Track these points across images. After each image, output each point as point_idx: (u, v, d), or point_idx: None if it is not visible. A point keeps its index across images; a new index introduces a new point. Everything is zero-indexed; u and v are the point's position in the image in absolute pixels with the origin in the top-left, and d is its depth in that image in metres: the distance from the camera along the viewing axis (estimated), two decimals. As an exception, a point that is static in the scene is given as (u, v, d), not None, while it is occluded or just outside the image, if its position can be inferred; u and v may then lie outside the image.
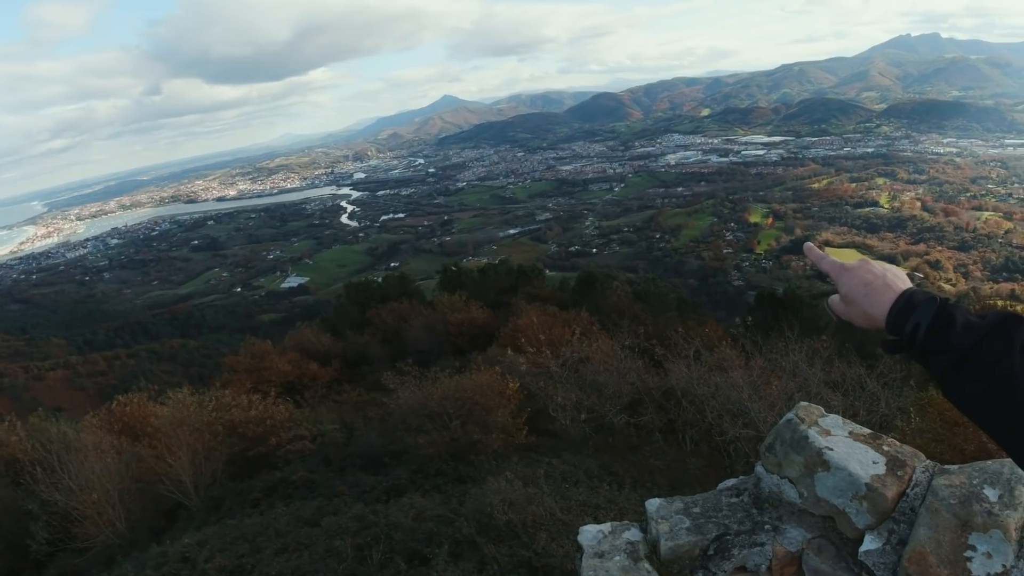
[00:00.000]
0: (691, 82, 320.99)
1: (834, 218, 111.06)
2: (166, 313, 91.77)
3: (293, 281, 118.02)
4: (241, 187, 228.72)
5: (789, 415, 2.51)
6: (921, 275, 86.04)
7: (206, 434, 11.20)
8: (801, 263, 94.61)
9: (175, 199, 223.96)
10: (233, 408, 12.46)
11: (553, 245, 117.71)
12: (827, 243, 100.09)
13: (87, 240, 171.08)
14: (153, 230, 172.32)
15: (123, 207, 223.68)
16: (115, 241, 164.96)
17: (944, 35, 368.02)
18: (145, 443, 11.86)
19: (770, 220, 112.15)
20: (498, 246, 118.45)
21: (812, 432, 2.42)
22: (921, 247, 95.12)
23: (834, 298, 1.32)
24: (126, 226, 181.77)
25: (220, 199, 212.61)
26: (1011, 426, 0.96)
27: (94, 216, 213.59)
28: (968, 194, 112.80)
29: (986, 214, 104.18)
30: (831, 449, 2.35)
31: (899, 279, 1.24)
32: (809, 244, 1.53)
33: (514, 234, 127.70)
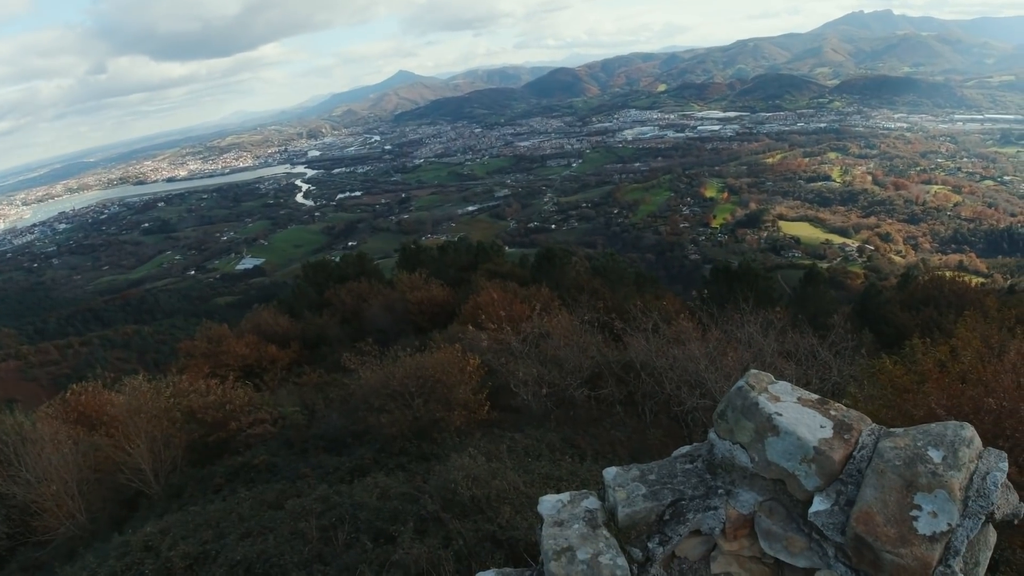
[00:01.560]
0: (647, 57, 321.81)
1: (787, 192, 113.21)
2: (118, 299, 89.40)
3: (248, 263, 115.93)
4: (192, 167, 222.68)
5: (740, 382, 2.58)
6: (872, 247, 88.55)
7: (164, 421, 11.01)
8: (756, 236, 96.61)
9: (123, 181, 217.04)
10: (191, 393, 12.26)
11: (512, 222, 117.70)
12: (781, 216, 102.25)
13: (34, 226, 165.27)
14: (102, 213, 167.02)
15: (70, 190, 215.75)
16: (63, 226, 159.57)
17: (896, 12, 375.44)
18: (102, 432, 11.62)
19: (725, 194, 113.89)
20: (457, 223, 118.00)
21: (762, 398, 2.49)
22: (872, 220, 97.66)
23: None
24: (74, 210, 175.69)
25: (170, 180, 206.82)
26: None
27: (40, 200, 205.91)
28: (918, 168, 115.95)
29: (935, 187, 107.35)
30: (780, 415, 2.42)
31: None
32: None
33: (473, 211, 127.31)
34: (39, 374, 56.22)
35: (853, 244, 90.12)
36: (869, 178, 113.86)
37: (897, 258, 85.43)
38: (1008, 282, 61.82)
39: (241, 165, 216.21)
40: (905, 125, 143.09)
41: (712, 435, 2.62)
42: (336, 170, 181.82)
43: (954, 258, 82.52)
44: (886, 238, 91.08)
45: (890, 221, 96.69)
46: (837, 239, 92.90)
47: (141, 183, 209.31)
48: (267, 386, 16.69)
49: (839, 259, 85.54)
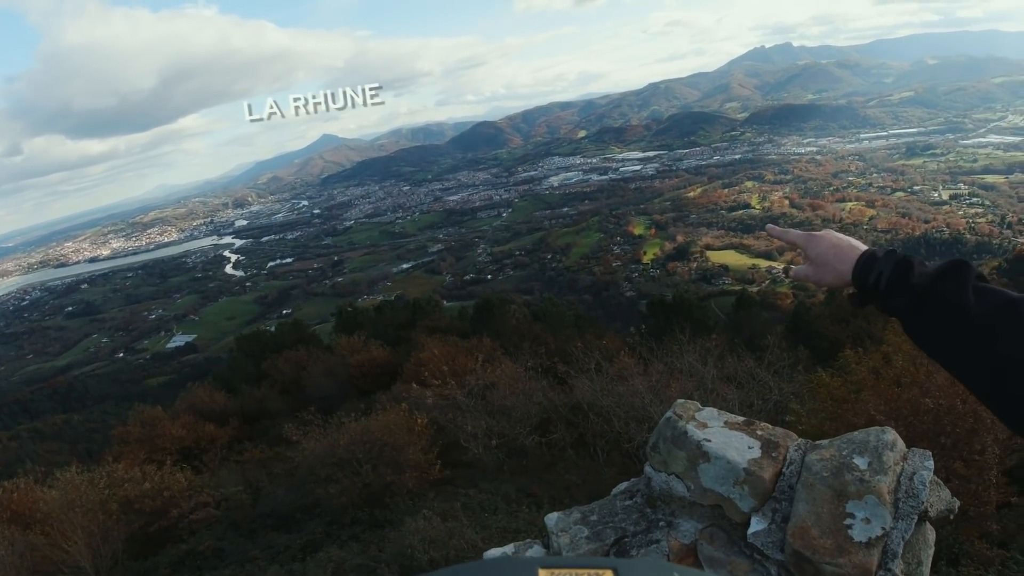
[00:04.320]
0: (566, 106, 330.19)
1: (711, 223, 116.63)
2: (45, 387, 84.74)
3: (179, 340, 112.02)
4: (115, 245, 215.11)
5: (668, 413, 2.65)
6: (795, 266, 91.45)
7: (100, 514, 10.44)
8: (686, 268, 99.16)
9: (44, 264, 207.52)
10: (126, 483, 11.70)
11: (448, 276, 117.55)
12: (708, 247, 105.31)
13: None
14: (23, 300, 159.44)
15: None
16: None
17: (795, 44, 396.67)
18: (37, 530, 10.97)
19: (653, 231, 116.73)
20: (392, 282, 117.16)
21: (690, 427, 2.56)
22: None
23: (799, 268, 1.49)
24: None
25: (93, 260, 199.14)
26: (967, 355, 1.09)
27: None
28: (831, 188, 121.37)
29: (850, 204, 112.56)
30: (709, 440, 2.49)
31: (860, 242, 1.36)
32: (770, 225, 1.67)
33: (407, 268, 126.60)
34: (-34, 472, 52.49)
35: (779, 266, 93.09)
36: (787, 202, 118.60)
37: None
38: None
39: (166, 240, 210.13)
40: (815, 149, 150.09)
41: (648, 468, 2.67)
42: (265, 238, 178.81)
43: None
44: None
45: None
46: (764, 263, 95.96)
47: (63, 265, 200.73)
48: (207, 467, 16.02)
49: (767, 282, 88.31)
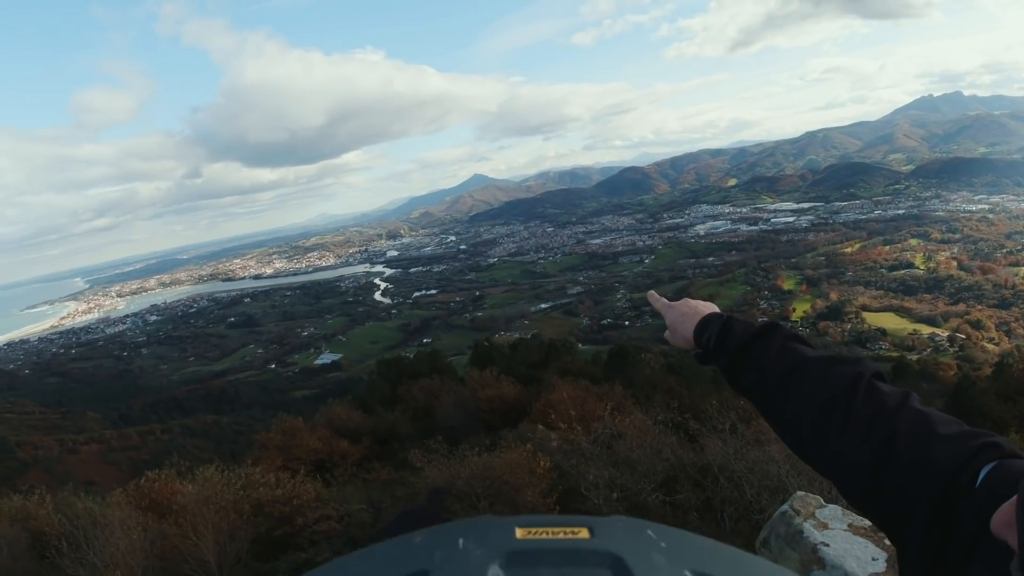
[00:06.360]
0: (716, 153, 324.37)
1: (869, 282, 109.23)
2: (201, 389, 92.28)
3: (326, 358, 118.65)
4: (277, 265, 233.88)
5: (784, 507, 2.35)
6: (963, 336, 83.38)
7: (232, 513, 10.99)
8: (839, 329, 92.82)
9: (213, 277, 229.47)
10: (260, 486, 12.29)
11: (584, 319, 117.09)
12: (864, 307, 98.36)
13: (126, 316, 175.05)
14: (191, 307, 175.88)
15: (163, 284, 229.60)
16: (154, 318, 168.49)
17: (966, 92, 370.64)
18: (171, 520, 11.69)
19: (804, 286, 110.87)
20: (529, 321, 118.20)
21: (807, 526, 2.24)
22: (961, 307, 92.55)
23: (667, 332, 1.57)
24: (165, 303, 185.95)
25: (256, 277, 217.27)
26: (770, 406, 1.24)
27: (134, 293, 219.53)
28: (1004, 250, 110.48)
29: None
30: (827, 545, 2.16)
31: (708, 308, 1.49)
32: (651, 292, 1.76)
33: (545, 308, 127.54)
34: (120, 458, 57.81)
35: (943, 333, 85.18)
36: (954, 263, 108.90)
37: (990, 346, 79.97)
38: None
39: (323, 264, 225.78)
40: (987, 206, 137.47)
41: None
42: (413, 269, 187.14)
43: (1049, 340, 76.70)
44: (978, 325, 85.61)
45: (980, 307, 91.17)
46: (926, 329, 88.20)
47: (229, 279, 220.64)
48: (336, 481, 16.62)
49: (929, 349, 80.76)
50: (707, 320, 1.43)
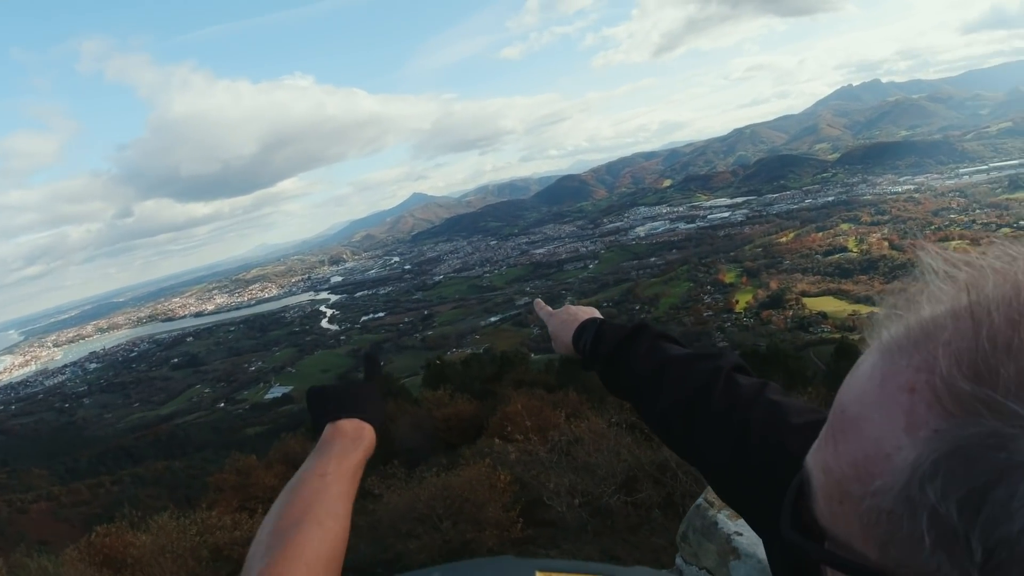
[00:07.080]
0: (649, 156, 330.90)
1: (806, 268, 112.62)
2: (149, 435, 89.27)
3: (277, 391, 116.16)
4: (219, 301, 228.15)
5: (699, 499, 2.36)
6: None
7: (190, 560, 10.64)
8: (781, 316, 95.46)
9: (152, 318, 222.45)
10: (218, 530, 11.94)
11: (535, 328, 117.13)
12: (804, 293, 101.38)
13: (65, 366, 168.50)
14: (132, 351, 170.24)
15: (100, 330, 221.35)
16: (94, 365, 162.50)
17: (884, 80, 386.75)
18: (127, 574, 11.28)
19: (744, 278, 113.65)
20: (480, 335, 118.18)
21: (721, 517, 2.25)
22: (896, 285, 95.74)
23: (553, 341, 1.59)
24: (104, 349, 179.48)
25: (198, 314, 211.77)
26: (643, 406, 1.26)
27: (71, 341, 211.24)
28: (933, 227, 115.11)
29: (954, 243, 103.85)
30: (740, 534, 2.18)
31: (586, 313, 1.50)
32: (537, 300, 1.77)
33: (495, 321, 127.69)
34: (71, 515, 55.27)
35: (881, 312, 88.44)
36: (886, 244, 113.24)
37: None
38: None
39: (266, 295, 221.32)
40: (912, 187, 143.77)
41: (679, 560, 2.38)
42: (359, 293, 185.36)
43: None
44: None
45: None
46: (865, 308, 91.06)
47: (169, 319, 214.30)
48: (296, 518, 16.24)
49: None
50: (583, 326, 1.45)
